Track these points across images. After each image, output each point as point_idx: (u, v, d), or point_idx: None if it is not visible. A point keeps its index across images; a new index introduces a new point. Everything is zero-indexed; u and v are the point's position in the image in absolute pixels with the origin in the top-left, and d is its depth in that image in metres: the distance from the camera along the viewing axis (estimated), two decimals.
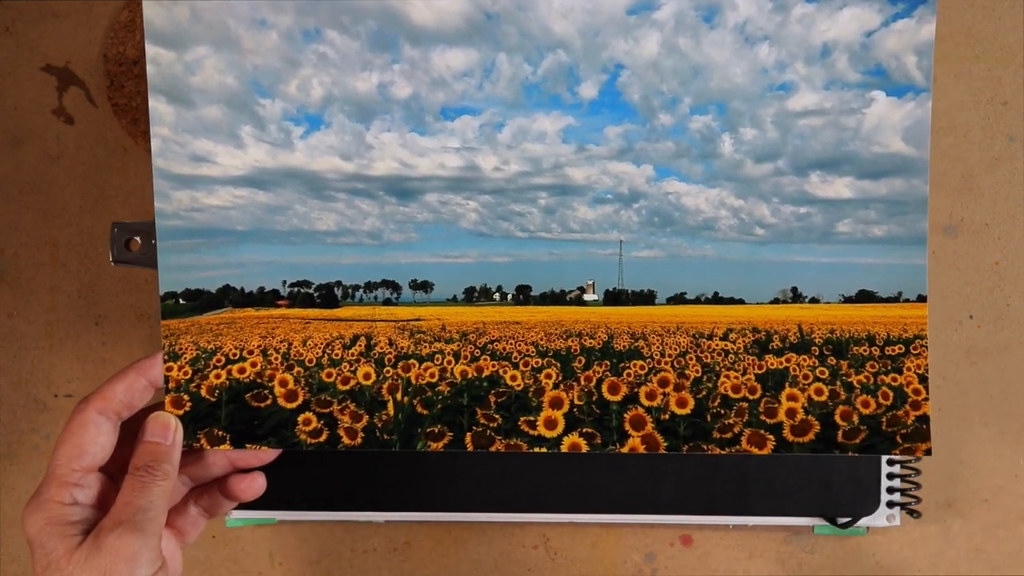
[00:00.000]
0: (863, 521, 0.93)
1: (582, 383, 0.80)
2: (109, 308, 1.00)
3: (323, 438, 0.79)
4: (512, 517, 0.96)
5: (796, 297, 0.80)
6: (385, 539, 1.00)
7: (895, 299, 0.78)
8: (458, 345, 0.82)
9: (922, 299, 0.77)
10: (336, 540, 1.00)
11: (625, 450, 0.78)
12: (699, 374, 0.80)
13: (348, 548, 1.00)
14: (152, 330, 1.01)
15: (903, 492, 0.93)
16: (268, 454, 0.79)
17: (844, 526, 0.94)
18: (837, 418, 0.78)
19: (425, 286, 0.82)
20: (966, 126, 0.97)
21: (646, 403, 0.79)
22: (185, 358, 0.79)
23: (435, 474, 0.94)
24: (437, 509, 0.94)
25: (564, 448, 0.78)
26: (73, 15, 1.02)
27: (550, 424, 0.79)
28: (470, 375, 0.80)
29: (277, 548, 0.99)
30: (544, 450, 0.78)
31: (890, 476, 0.93)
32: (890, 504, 0.93)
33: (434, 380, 0.80)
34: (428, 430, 0.79)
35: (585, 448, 0.78)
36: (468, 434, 0.79)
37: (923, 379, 0.78)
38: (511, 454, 0.82)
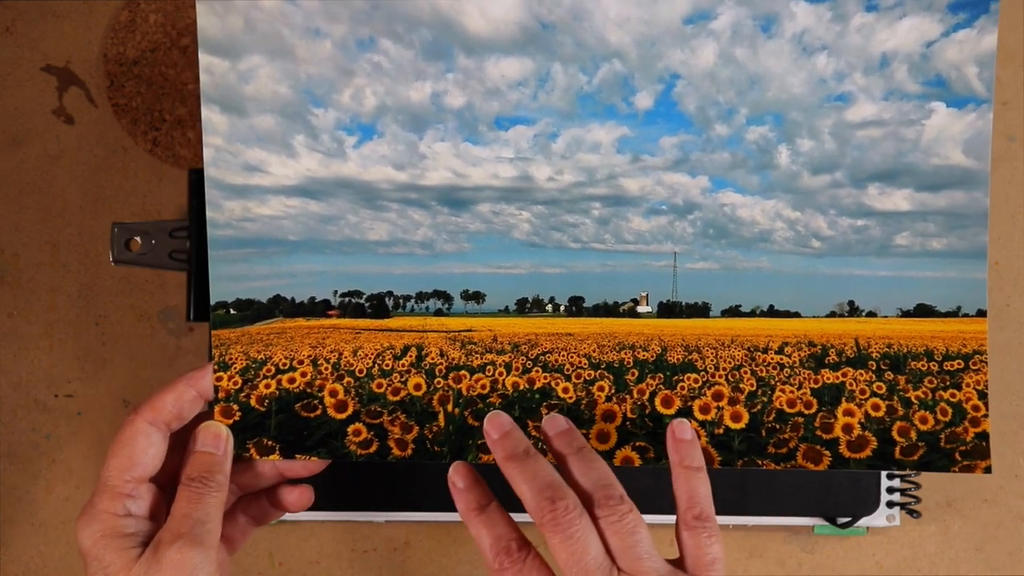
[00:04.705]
0: (863, 521, 0.93)
1: (635, 396, 0.79)
2: (109, 308, 1.00)
3: (373, 449, 0.79)
4: (512, 517, 0.96)
5: (853, 311, 0.79)
6: (385, 539, 0.99)
7: (954, 313, 0.77)
8: (510, 356, 0.81)
9: (982, 313, 0.76)
10: (336, 540, 0.99)
11: None
12: (754, 388, 0.79)
13: (348, 548, 0.99)
14: (152, 330, 1.00)
15: (903, 492, 0.93)
16: (317, 465, 0.79)
17: (844, 526, 0.93)
18: (895, 434, 0.77)
19: (477, 297, 0.81)
20: None
21: (700, 417, 0.78)
22: (235, 368, 0.79)
23: (435, 474, 0.93)
24: (437, 509, 0.93)
25: (616, 462, 0.77)
26: (73, 15, 1.02)
27: (602, 437, 0.78)
28: (522, 387, 0.80)
29: (277, 548, 0.99)
30: None
31: (890, 476, 0.92)
32: (890, 504, 0.92)
33: (485, 392, 0.79)
34: (479, 442, 0.78)
35: (638, 462, 0.77)
36: None
37: (983, 395, 0.76)
38: None
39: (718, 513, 0.92)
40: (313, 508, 0.89)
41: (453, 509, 0.93)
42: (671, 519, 0.93)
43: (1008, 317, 0.99)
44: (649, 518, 0.94)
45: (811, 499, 0.93)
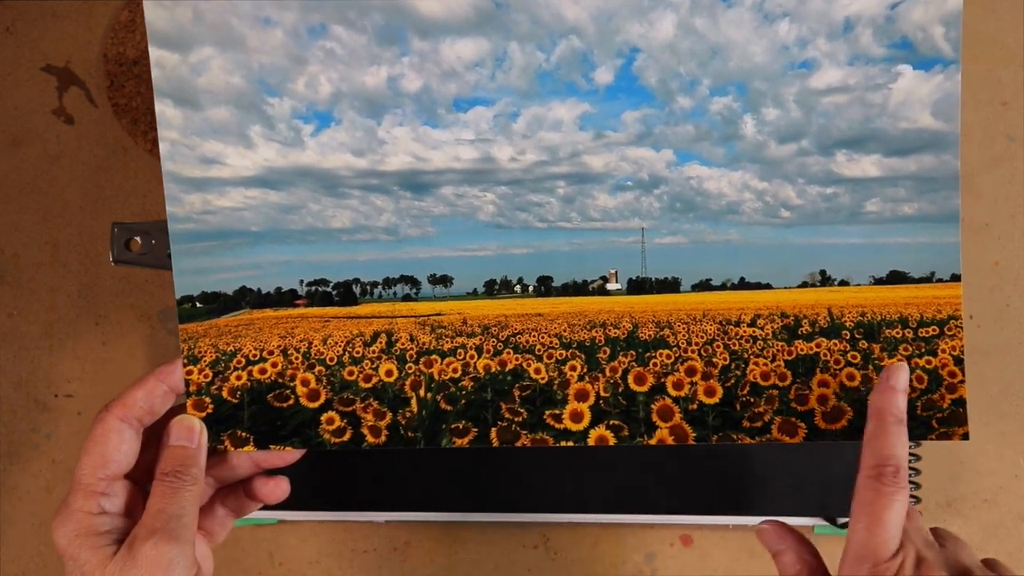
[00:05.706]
0: None
1: (608, 374, 0.78)
2: (109, 308, 1.00)
3: (347, 437, 0.79)
4: (512, 517, 0.96)
5: (825, 280, 0.78)
6: (385, 539, 0.99)
7: (927, 279, 0.76)
8: (480, 339, 0.80)
9: (956, 278, 0.75)
10: (336, 540, 1.00)
11: (653, 442, 0.76)
12: (727, 362, 0.78)
13: (348, 548, 1.00)
14: (152, 330, 1.00)
15: None
16: (292, 455, 0.79)
17: (844, 526, 0.93)
18: None
19: (444, 280, 0.80)
20: (966, 126, 0.96)
21: (674, 393, 0.77)
22: (205, 361, 0.78)
23: (435, 474, 0.93)
24: (437, 509, 0.93)
25: (591, 441, 0.77)
26: (73, 15, 1.01)
27: (576, 417, 0.77)
28: (493, 369, 0.79)
29: (277, 548, 0.99)
30: (571, 444, 0.77)
31: None
32: None
33: (457, 375, 0.79)
34: (452, 426, 0.78)
35: (612, 441, 0.76)
36: (493, 429, 0.77)
37: (958, 361, 0.75)
38: (511, 451, 0.80)
39: (719, 513, 0.91)
40: (313, 508, 0.89)
41: (453, 509, 0.94)
42: (671, 519, 0.93)
43: (1008, 317, 0.98)
44: (647, 518, 0.94)
45: (811, 499, 0.92)
